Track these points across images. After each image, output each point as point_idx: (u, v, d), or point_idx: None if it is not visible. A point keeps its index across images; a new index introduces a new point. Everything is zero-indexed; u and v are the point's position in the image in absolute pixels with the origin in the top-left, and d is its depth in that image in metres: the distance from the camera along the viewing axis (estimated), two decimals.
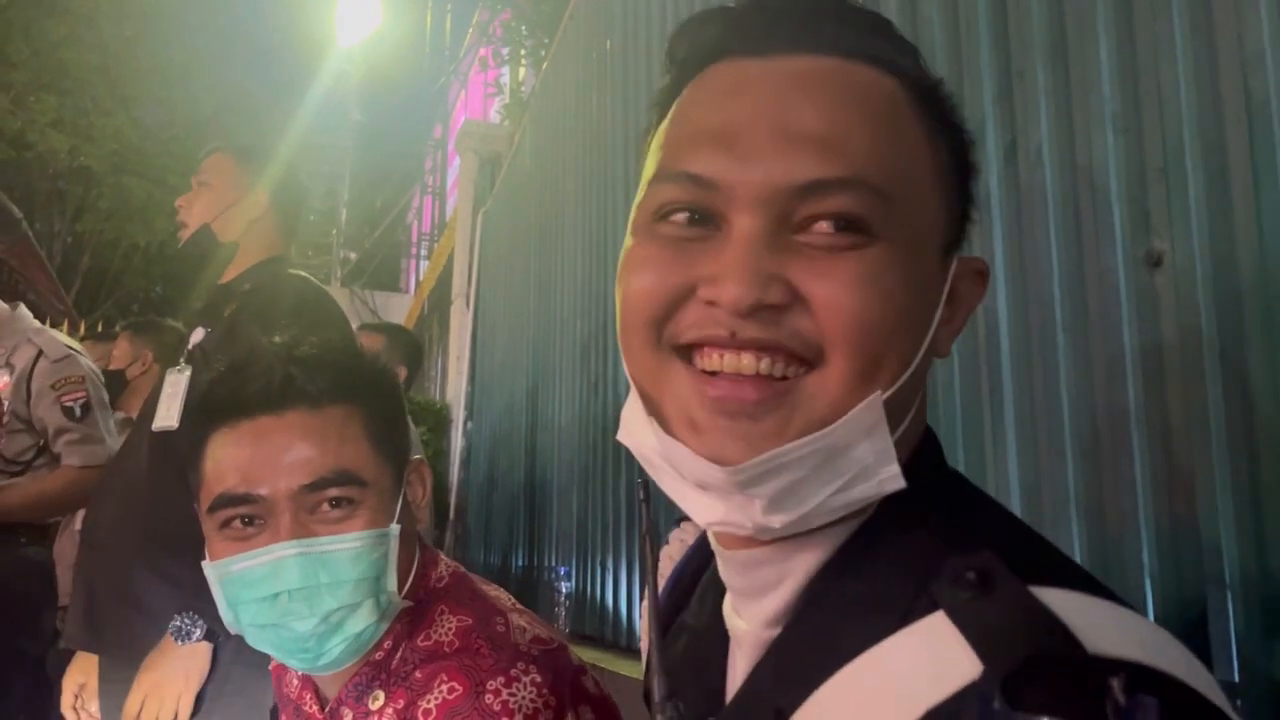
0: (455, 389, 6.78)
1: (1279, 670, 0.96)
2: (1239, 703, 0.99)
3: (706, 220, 0.60)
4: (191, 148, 14.38)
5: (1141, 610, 1.10)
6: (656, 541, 0.79)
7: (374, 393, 1.15)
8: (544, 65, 5.07)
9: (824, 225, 0.57)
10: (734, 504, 0.58)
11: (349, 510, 1.07)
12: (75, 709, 1.90)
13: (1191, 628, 1.05)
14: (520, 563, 4.43)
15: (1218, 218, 1.04)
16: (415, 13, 17.92)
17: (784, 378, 0.57)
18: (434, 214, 16.08)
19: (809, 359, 0.57)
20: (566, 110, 4.12)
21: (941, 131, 0.64)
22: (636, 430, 0.62)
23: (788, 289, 0.56)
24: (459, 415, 6.52)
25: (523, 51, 6.84)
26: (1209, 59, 1.06)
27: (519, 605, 1.20)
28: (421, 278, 13.78)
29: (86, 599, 1.89)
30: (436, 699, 1.02)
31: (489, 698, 1.00)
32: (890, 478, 0.58)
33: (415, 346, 3.86)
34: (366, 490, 1.08)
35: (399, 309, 13.96)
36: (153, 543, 1.79)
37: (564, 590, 3.39)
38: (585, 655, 2.74)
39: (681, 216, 0.60)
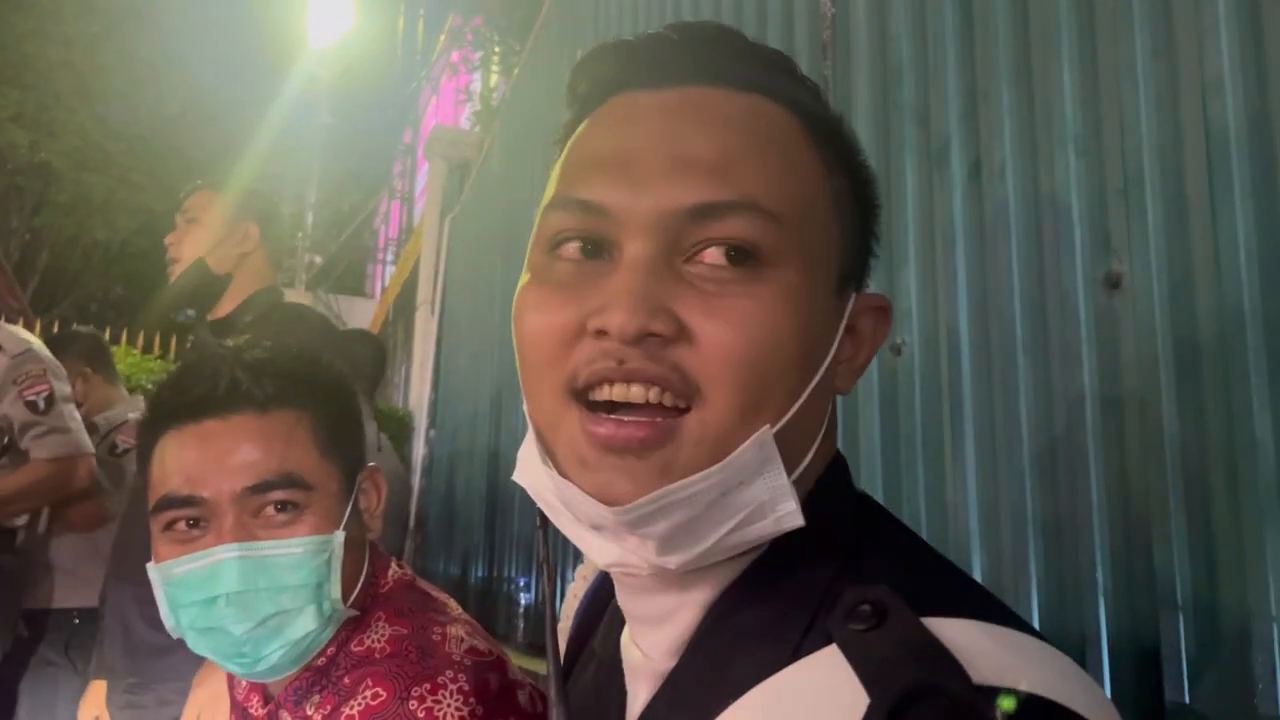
0: (418, 397, 6.74)
1: (1229, 693, 0.96)
2: None
3: (599, 250, 0.59)
4: (156, 146, 14.26)
5: (1095, 630, 1.10)
6: (554, 571, 0.79)
7: (324, 398, 1.14)
8: (515, 72, 5.07)
9: (714, 252, 0.57)
10: (628, 546, 0.57)
11: (293, 515, 1.06)
12: None
13: (1144, 649, 1.05)
14: (480, 573, 4.39)
15: (1176, 240, 1.05)
16: (387, 16, 17.86)
17: (674, 408, 0.56)
18: (401, 219, 16.02)
19: (689, 394, 0.56)
20: (537, 117, 4.11)
21: (840, 166, 0.65)
22: (531, 471, 0.62)
23: (674, 321, 0.55)
24: (422, 423, 6.47)
25: (494, 58, 6.83)
26: (1170, 83, 1.08)
27: (465, 616, 1.19)
28: (387, 283, 13.71)
29: (123, 629, 1.94)
30: (360, 704, 1.01)
31: (413, 704, 0.99)
32: (788, 514, 0.57)
33: (380, 353, 3.83)
34: (312, 495, 1.07)
35: (364, 314, 13.88)
36: None
37: (523, 601, 3.37)
38: (544, 668, 2.72)
39: (574, 247, 0.60)
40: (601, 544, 0.59)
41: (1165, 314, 1.05)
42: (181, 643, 1.79)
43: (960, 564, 1.25)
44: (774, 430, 0.57)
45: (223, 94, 14.83)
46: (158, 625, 1.83)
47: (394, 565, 1.21)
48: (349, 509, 1.11)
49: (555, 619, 0.74)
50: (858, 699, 0.48)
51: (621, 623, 0.70)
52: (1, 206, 14.19)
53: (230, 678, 1.25)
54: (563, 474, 0.59)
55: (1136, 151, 1.10)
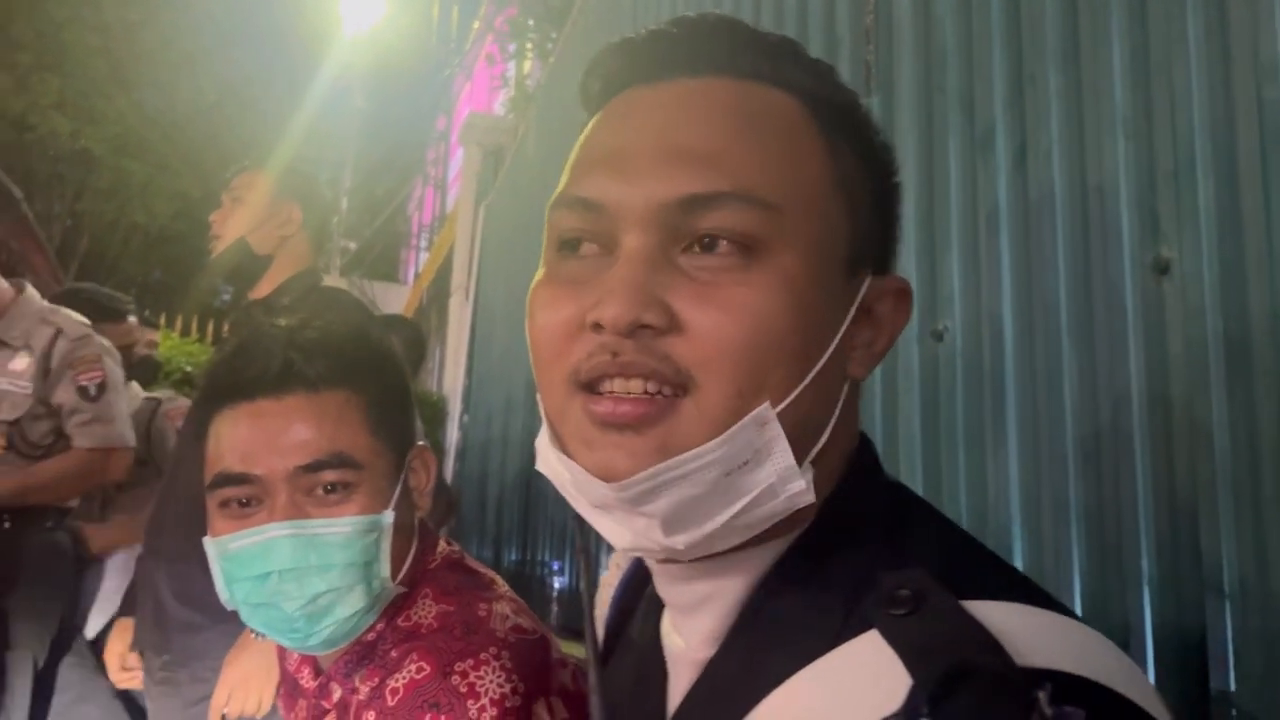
0: (453, 382, 6.79)
1: (1275, 681, 0.95)
2: (1234, 712, 0.99)
3: (602, 247, 0.60)
4: (193, 133, 14.40)
5: (1139, 618, 1.10)
6: (591, 561, 0.80)
7: (376, 379, 1.15)
8: (551, 59, 5.07)
9: (708, 243, 0.57)
10: (636, 527, 0.58)
11: (344, 494, 1.07)
12: (123, 670, 2.07)
13: (1189, 637, 1.04)
14: (513, 557, 4.43)
15: (1227, 225, 1.04)
16: (421, 3, 17.91)
17: (669, 396, 0.57)
18: (435, 206, 16.08)
19: (682, 384, 0.56)
20: (573, 104, 4.11)
21: (849, 148, 0.64)
22: (548, 461, 0.63)
23: (667, 313, 0.56)
24: (455, 409, 6.52)
25: (529, 45, 6.83)
26: (1222, 64, 1.06)
27: (511, 594, 1.20)
28: (421, 269, 13.78)
29: (155, 605, 1.97)
30: (404, 678, 1.03)
31: (455, 679, 1.01)
32: (798, 493, 0.58)
33: (419, 338, 3.85)
34: (362, 474, 1.08)
35: (397, 300, 13.96)
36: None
37: (557, 585, 3.39)
38: (578, 651, 2.72)
39: (579, 244, 0.61)
40: (613, 526, 0.59)
41: (1215, 299, 1.04)
42: (213, 621, 1.82)
43: (1001, 551, 1.25)
44: (778, 410, 0.57)
45: (258, 81, 14.96)
46: (189, 602, 1.89)
47: (442, 542, 1.22)
48: (399, 488, 1.12)
49: (594, 607, 0.74)
50: (900, 680, 0.48)
51: (658, 610, 0.71)
52: (44, 192, 14.39)
53: (281, 650, 1.27)
54: (570, 456, 0.60)
55: (1188, 134, 1.09)
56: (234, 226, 2.19)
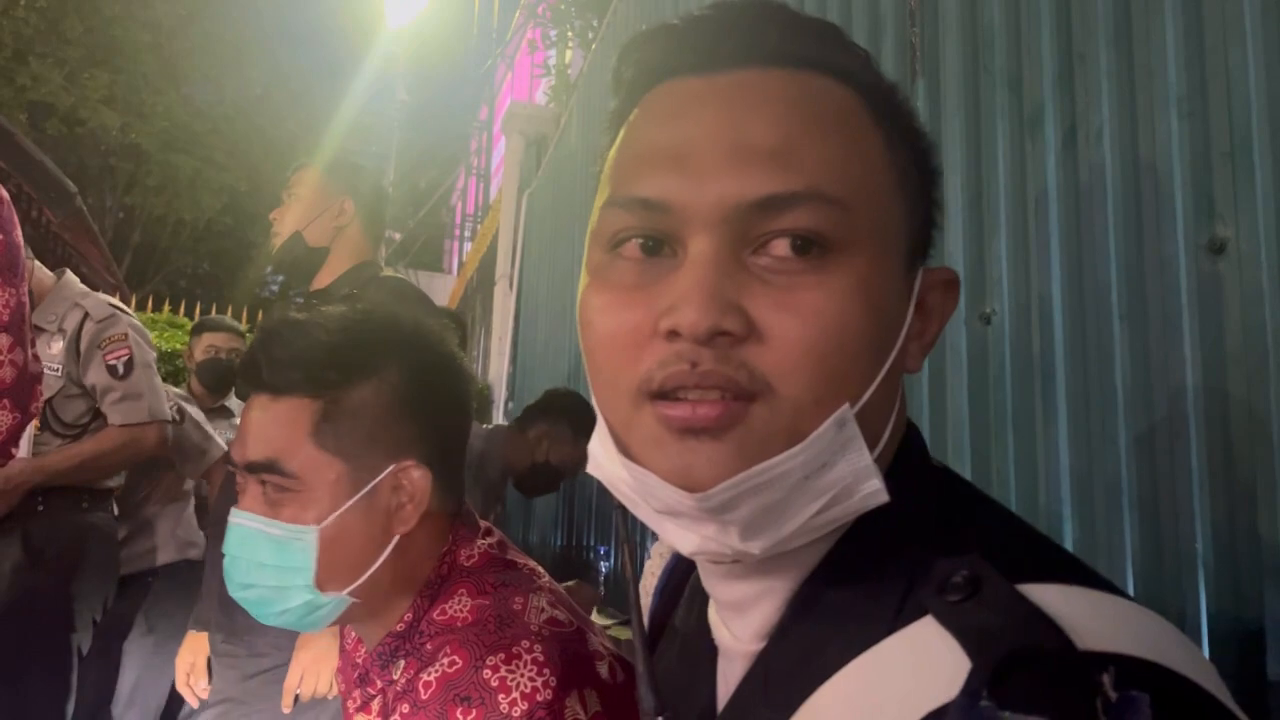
0: (497, 370, 6.83)
1: None
2: None
3: (661, 247, 0.58)
4: (240, 126, 14.60)
5: (1195, 606, 1.08)
6: (635, 551, 0.79)
7: (344, 390, 1.13)
8: (593, 47, 5.06)
9: (782, 245, 0.55)
10: (708, 533, 0.56)
11: (281, 498, 1.11)
12: (189, 686, 2.11)
13: (1246, 624, 1.03)
14: (559, 542, 4.45)
15: None
16: None
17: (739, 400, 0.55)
18: (478, 195, 16.16)
19: (757, 391, 0.54)
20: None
21: (900, 137, 0.62)
22: (605, 464, 0.61)
23: (745, 319, 0.54)
24: (500, 396, 6.56)
25: (570, 33, 6.83)
26: None
27: (552, 585, 1.19)
28: (464, 259, 13.86)
29: (221, 586, 2.00)
30: (437, 671, 1.04)
31: (487, 673, 1.01)
32: (873, 493, 0.56)
33: (461, 329, 3.89)
34: (298, 483, 1.10)
35: (442, 290, 14.06)
36: None
37: (602, 570, 3.40)
38: (624, 635, 2.72)
39: (635, 245, 0.58)
40: (680, 532, 0.57)
41: (1274, 279, 1.02)
42: None
43: (1051, 536, 1.23)
44: (855, 409, 0.55)
45: (303, 74, 15.12)
46: None
47: (480, 538, 1.22)
48: (352, 502, 1.11)
49: (639, 597, 0.74)
50: (959, 664, 0.47)
51: (703, 599, 0.70)
52: (96, 186, 14.67)
53: (343, 628, 1.31)
54: (638, 461, 0.57)
55: (1244, 112, 1.07)
56: (288, 222, 2.26)
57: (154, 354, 2.95)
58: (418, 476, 1.15)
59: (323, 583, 1.09)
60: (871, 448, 0.57)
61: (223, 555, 1.13)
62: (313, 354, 1.13)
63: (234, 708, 1.92)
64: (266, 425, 1.12)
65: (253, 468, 1.11)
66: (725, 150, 0.57)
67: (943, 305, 0.64)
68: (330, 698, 1.76)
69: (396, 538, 1.13)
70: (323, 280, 2.25)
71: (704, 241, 0.56)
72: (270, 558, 1.09)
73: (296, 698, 1.79)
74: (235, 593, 1.13)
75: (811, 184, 0.55)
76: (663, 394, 0.55)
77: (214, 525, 2.14)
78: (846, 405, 0.55)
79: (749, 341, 0.54)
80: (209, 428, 3.40)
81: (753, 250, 0.56)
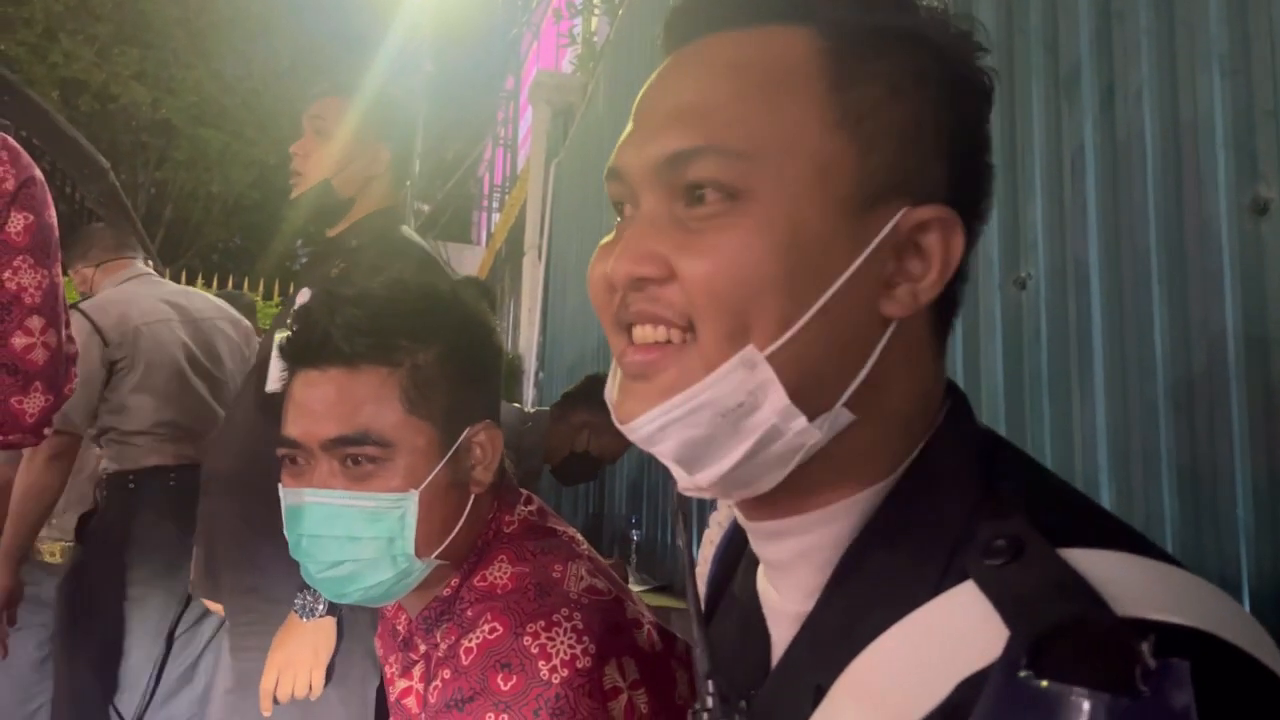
0: (527, 340, 6.84)
1: None
2: None
3: (634, 211, 0.64)
4: (268, 100, 14.64)
5: (1235, 572, 1.07)
6: (689, 518, 0.81)
7: (424, 354, 1.14)
8: (619, 13, 5.02)
9: (699, 194, 0.60)
10: (675, 470, 0.62)
11: (371, 469, 1.10)
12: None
13: None
14: (590, 510, 4.48)
15: None
16: None
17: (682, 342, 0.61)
18: (505, 166, 16.13)
19: (684, 328, 0.60)
20: (641, 60, 4.08)
21: (886, 79, 0.61)
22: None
23: (663, 264, 0.60)
24: (531, 366, 6.58)
25: (596, 0, 6.78)
26: None
27: (591, 553, 1.20)
28: (493, 230, 13.86)
29: (207, 549, 1.95)
30: (478, 638, 1.05)
31: (527, 640, 1.02)
32: (801, 431, 0.59)
33: (489, 299, 3.88)
34: (391, 452, 1.10)
35: (471, 261, 14.09)
36: (256, 496, 1.73)
37: (634, 538, 3.42)
38: (656, 602, 2.74)
39: (623, 209, 0.66)
40: (673, 469, 0.63)
41: None
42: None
43: None
44: (767, 352, 0.57)
45: (329, 46, 15.10)
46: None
47: (521, 505, 1.23)
48: (441, 465, 1.13)
49: (694, 563, 0.75)
50: (997, 634, 0.47)
51: (756, 565, 0.71)
52: (128, 162, 14.80)
53: None
54: None
55: None
56: (317, 166, 1.98)
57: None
58: (492, 436, 1.19)
59: (419, 549, 1.11)
60: (828, 393, 0.59)
61: (297, 535, 1.12)
62: (386, 322, 1.14)
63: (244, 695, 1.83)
64: (351, 398, 1.11)
65: (339, 442, 1.09)
66: (658, 115, 0.63)
67: (947, 246, 0.61)
68: (312, 699, 1.67)
69: (473, 498, 1.17)
70: (339, 228, 2.02)
71: (645, 199, 0.62)
72: (364, 530, 1.09)
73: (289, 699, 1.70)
74: (319, 573, 1.12)
75: (711, 139, 0.59)
76: (628, 329, 0.63)
77: (205, 485, 1.99)
78: (751, 346, 0.58)
79: (669, 283, 0.60)
80: None
81: (686, 204, 0.61)
